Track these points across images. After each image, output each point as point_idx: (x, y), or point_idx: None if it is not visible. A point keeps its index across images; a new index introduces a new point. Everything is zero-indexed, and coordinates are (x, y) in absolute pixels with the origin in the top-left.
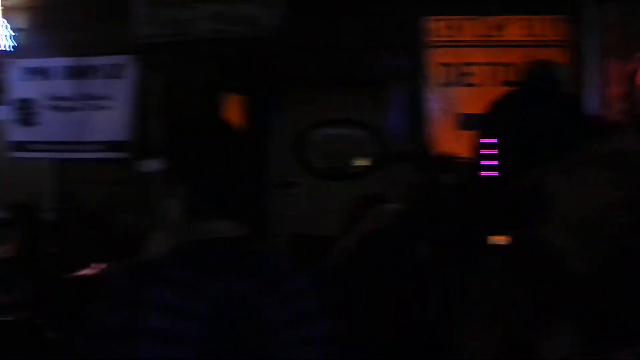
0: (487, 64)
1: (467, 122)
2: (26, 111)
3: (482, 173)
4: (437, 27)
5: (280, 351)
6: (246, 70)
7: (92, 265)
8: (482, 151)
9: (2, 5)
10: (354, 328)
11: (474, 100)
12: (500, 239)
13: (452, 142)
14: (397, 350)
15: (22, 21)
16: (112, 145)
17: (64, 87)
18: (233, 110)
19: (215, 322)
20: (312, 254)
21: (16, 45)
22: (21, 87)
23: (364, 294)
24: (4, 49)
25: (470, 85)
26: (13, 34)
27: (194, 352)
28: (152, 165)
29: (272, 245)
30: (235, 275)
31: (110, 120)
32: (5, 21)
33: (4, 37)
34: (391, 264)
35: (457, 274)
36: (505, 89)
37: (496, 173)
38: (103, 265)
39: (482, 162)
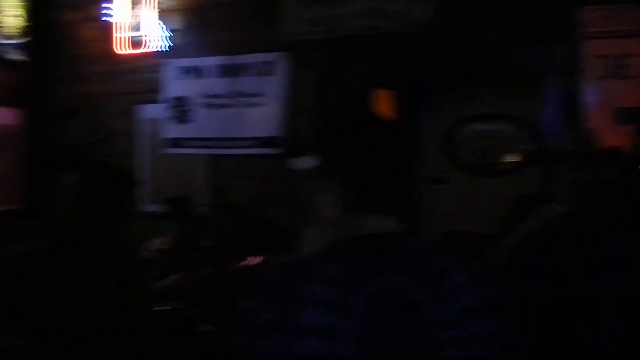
0: None
1: (626, 116)
2: (181, 109)
3: None
4: (594, 17)
5: (439, 349)
6: (397, 65)
7: (247, 259)
8: None
9: (158, 8)
10: (512, 328)
11: (634, 93)
12: None
13: (610, 137)
14: (548, 354)
15: (177, 22)
16: (264, 142)
17: (218, 85)
18: (384, 106)
19: (372, 319)
20: (464, 251)
21: (172, 45)
22: (176, 86)
23: (524, 295)
24: (160, 49)
25: (629, 78)
26: (169, 34)
27: (349, 349)
28: (305, 162)
29: (428, 241)
30: (392, 272)
31: (262, 116)
32: (161, 22)
33: (160, 37)
34: (555, 267)
35: (624, 277)
36: None
37: None
38: (258, 260)
39: None
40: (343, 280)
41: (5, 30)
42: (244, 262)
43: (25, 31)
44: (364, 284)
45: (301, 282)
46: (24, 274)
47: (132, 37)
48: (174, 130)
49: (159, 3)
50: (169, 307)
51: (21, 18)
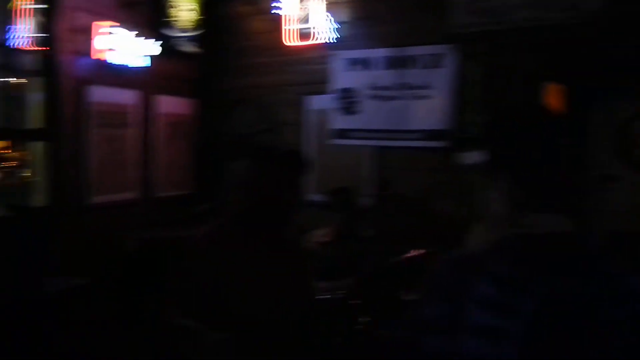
0: None
1: None
2: (348, 100)
3: None
4: None
5: (610, 353)
6: (566, 58)
7: (411, 251)
8: None
9: (326, 0)
10: None
11: None
12: None
13: None
14: None
15: (345, 14)
16: (431, 134)
17: (385, 76)
18: (553, 100)
19: (541, 321)
20: (633, 252)
21: (339, 37)
22: (344, 77)
23: None
24: (328, 41)
25: None
26: (337, 26)
27: (516, 350)
28: (472, 156)
29: (598, 241)
30: (562, 273)
31: (429, 109)
32: (329, 15)
33: (328, 30)
34: None
35: None
36: None
37: None
38: (420, 252)
39: None
40: (512, 280)
41: (180, 23)
42: (407, 254)
43: (199, 24)
44: (533, 285)
45: (469, 279)
46: (195, 257)
47: (300, 29)
48: (341, 121)
49: None
50: (330, 296)
51: (195, 12)
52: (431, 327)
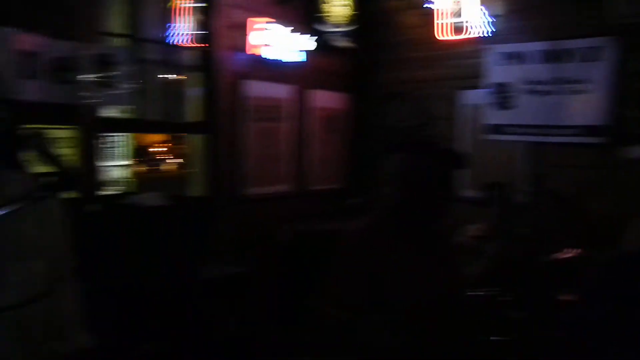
0: None
1: None
2: (503, 95)
3: None
4: None
5: None
6: None
7: (566, 250)
8: None
9: None
10: None
11: None
12: None
13: None
14: None
15: (499, 8)
16: (588, 130)
17: (540, 70)
18: None
19: None
20: None
21: (493, 31)
22: (498, 72)
23: None
24: (482, 35)
25: None
26: (490, 20)
27: None
28: (636, 151)
29: None
30: None
31: (587, 104)
32: (483, 8)
33: (482, 23)
34: None
35: None
36: None
37: None
38: (575, 252)
39: None
40: None
41: (333, 19)
42: (562, 253)
43: (352, 20)
44: None
45: (633, 279)
46: (348, 251)
47: (453, 23)
48: (495, 116)
49: None
50: (482, 293)
51: (348, 7)
52: (595, 328)
